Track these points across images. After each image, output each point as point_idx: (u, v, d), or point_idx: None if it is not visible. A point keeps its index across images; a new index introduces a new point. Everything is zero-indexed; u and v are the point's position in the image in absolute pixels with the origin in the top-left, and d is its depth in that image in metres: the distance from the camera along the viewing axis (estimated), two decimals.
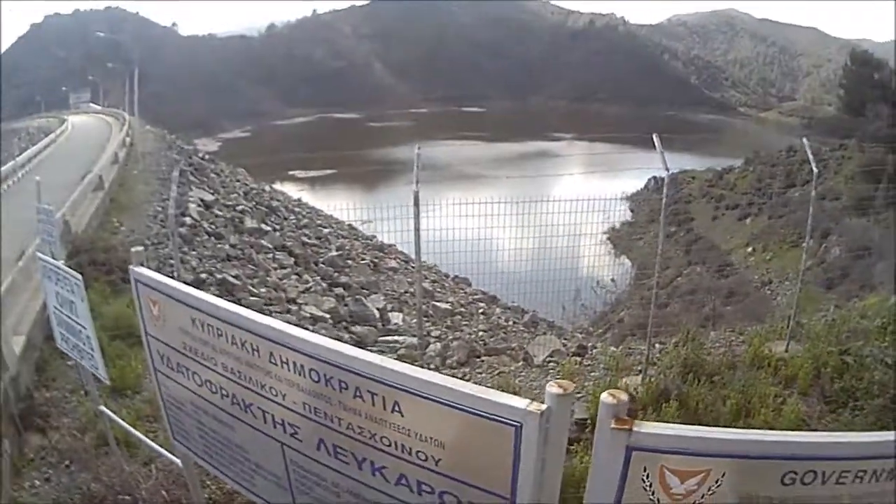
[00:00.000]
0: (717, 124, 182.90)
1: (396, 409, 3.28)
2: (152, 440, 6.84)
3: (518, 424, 2.91)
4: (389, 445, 3.40)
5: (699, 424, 8.84)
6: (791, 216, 47.47)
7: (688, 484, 2.94)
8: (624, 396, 2.89)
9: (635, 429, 2.85)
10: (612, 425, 2.86)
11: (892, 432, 3.00)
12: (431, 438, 3.23)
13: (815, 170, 12.95)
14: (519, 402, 2.91)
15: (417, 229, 10.73)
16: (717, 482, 2.94)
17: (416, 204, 10.59)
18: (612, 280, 27.21)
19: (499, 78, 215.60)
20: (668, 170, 11.26)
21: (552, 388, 2.89)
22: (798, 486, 3.03)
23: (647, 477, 2.94)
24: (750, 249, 52.28)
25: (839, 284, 32.31)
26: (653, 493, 2.96)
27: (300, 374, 3.62)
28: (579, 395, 11.24)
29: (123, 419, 7.65)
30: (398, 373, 3.24)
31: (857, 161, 61.29)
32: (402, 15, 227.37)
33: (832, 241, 42.40)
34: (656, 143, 11.51)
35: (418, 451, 3.29)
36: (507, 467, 3.03)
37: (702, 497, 2.97)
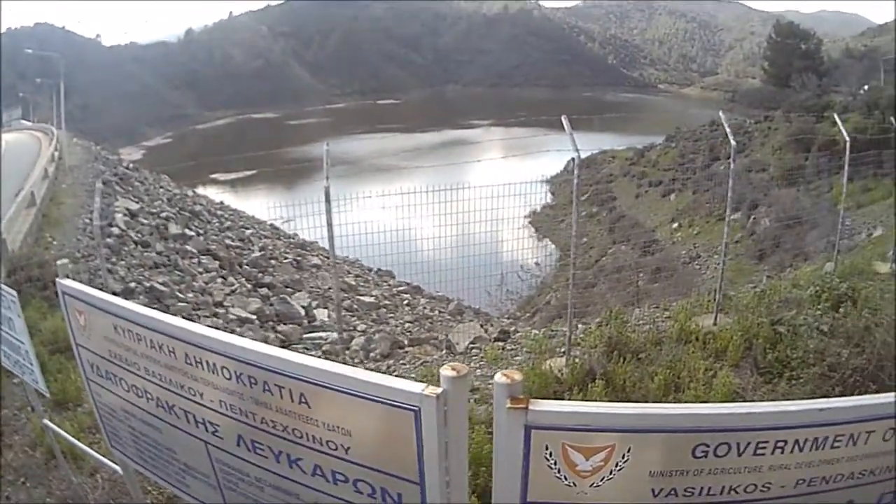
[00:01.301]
0: (637, 103, 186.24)
1: (303, 400, 3.38)
2: (95, 450, 6.90)
3: (416, 409, 3.03)
4: (301, 437, 3.51)
5: (627, 401, 8.85)
6: (716, 190, 47.80)
7: (593, 460, 3.01)
8: (518, 376, 2.95)
9: (531, 407, 2.91)
10: (508, 405, 2.93)
11: (816, 401, 3.19)
12: (339, 428, 3.34)
13: (733, 143, 13.31)
14: (415, 387, 3.04)
15: (330, 225, 11.16)
16: (623, 458, 3.01)
17: (328, 200, 11.00)
18: (537, 263, 27.39)
19: (414, 69, 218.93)
20: (577, 151, 11.34)
21: (446, 371, 3.02)
22: (712, 459, 3.11)
23: (551, 455, 3.00)
24: (676, 225, 52.73)
25: (771, 255, 32.58)
26: (559, 471, 3.02)
27: (214, 373, 3.72)
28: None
29: (67, 431, 7.65)
30: (300, 364, 3.34)
31: (783, 132, 61.96)
32: (316, 11, 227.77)
33: (761, 213, 42.77)
34: (565, 126, 11.65)
35: (329, 441, 3.40)
36: (412, 452, 3.14)
37: (610, 473, 3.03)
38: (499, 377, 2.94)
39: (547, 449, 2.99)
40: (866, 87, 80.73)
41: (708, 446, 3.06)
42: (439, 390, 2.99)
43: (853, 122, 51.19)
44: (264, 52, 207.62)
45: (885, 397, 3.27)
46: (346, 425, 3.31)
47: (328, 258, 32.14)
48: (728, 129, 13.75)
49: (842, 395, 8.49)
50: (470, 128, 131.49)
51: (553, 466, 3.01)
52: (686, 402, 9.27)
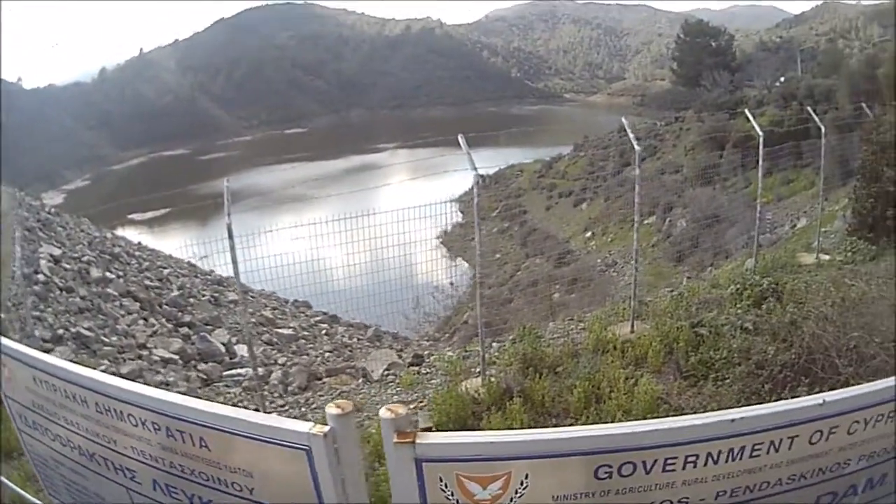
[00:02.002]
0: (543, 114, 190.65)
1: (204, 444, 3.43)
2: (42, 498, 6.59)
3: (307, 448, 3.09)
4: (208, 480, 3.55)
5: (548, 417, 9.17)
6: (628, 196, 48.31)
7: (491, 489, 3.03)
8: (402, 409, 3.01)
9: (419, 441, 2.96)
10: (395, 439, 2.97)
11: (728, 411, 3.16)
12: (240, 469, 3.40)
13: (637, 148, 13.46)
14: (303, 427, 3.11)
15: (235, 261, 11.16)
16: (522, 484, 3.03)
17: (231, 237, 10.98)
18: (451, 283, 27.51)
19: (320, 95, 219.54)
20: (475, 169, 11.33)
21: (332, 409, 3.09)
22: (617, 479, 3.11)
23: (446, 487, 3.05)
24: (589, 234, 53.50)
25: (690, 256, 32.80)
26: (457, 502, 3.07)
27: (121, 420, 3.73)
28: (422, 404, 11.53)
29: (14, 481, 7.30)
30: (198, 410, 3.41)
31: (696, 131, 62.70)
32: (222, 44, 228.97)
33: (677, 214, 43.28)
34: (462, 144, 11.61)
35: (233, 483, 3.47)
36: (310, 490, 3.21)
37: (511, 500, 3.06)
38: (383, 412, 2.99)
39: (441, 481, 3.03)
40: (782, 79, 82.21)
41: (610, 467, 3.06)
42: (326, 428, 3.03)
43: (769, 115, 51.84)
44: (173, 88, 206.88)
45: (804, 401, 3.30)
46: (246, 467, 3.36)
47: (245, 293, 32.18)
48: (631, 134, 13.70)
49: (772, 391, 8.82)
50: (376, 152, 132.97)
51: (451, 497, 3.05)
52: (608, 412, 9.60)
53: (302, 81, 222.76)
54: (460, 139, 11.63)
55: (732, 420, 3.08)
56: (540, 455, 2.99)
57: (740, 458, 3.19)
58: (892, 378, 3.48)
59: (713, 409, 8.98)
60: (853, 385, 4.05)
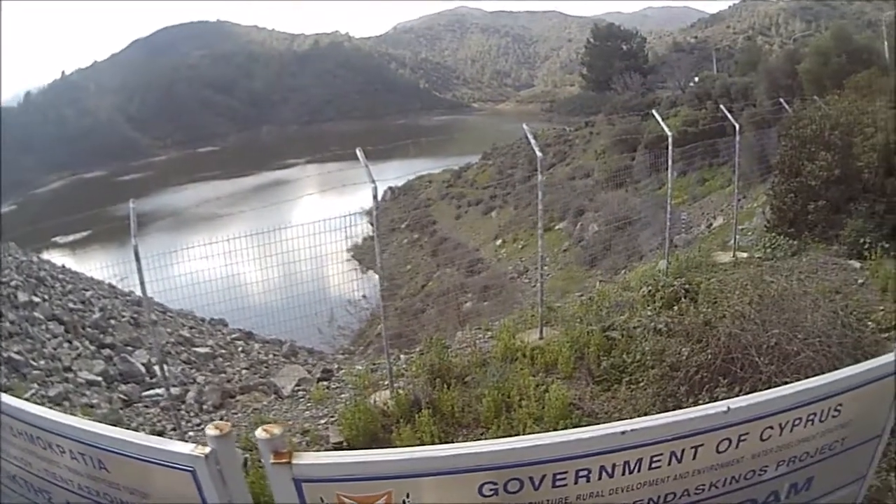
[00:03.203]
0: (452, 124, 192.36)
1: (102, 466, 3.47)
2: None
3: (192, 469, 3.13)
4: (112, 502, 3.60)
5: (458, 428, 10.28)
6: (538, 202, 48.60)
7: None
8: (278, 430, 3.04)
9: (296, 461, 2.98)
10: (272, 460, 2.98)
11: (620, 423, 3.13)
12: (137, 490, 3.46)
13: (539, 154, 13.12)
14: (185, 448, 3.15)
15: (142, 283, 11.26)
16: (403, 503, 3.05)
17: (137, 258, 11.07)
18: (364, 296, 27.57)
19: (231, 113, 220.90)
20: (374, 182, 11.45)
21: (210, 430, 3.11)
22: (504, 496, 3.09)
23: None
24: (499, 242, 53.91)
25: (603, 260, 32.98)
26: None
27: (33, 443, 3.75)
28: (333, 419, 11.54)
29: None
30: (92, 433, 3.44)
31: (606, 135, 63.31)
32: (139, 64, 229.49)
33: (588, 219, 43.50)
34: (360, 157, 11.75)
35: None
36: None
37: None
38: (259, 433, 3.00)
39: (322, 501, 3.07)
40: (696, 79, 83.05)
41: (495, 483, 3.05)
42: (207, 450, 3.06)
43: (683, 115, 52.37)
44: (93, 110, 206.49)
45: (708, 409, 3.29)
46: (141, 488, 3.43)
47: (164, 312, 31.81)
48: (532, 140, 13.57)
49: (689, 393, 8.71)
50: (286, 167, 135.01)
51: None
52: (519, 420, 9.67)
53: (214, 100, 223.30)
54: (358, 152, 11.74)
55: (623, 432, 3.04)
56: (419, 474, 3.01)
57: (637, 471, 3.15)
58: (806, 381, 3.51)
59: (629, 413, 9.30)
60: (777, 383, 3.98)
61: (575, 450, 3.02)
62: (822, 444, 3.76)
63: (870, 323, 10.68)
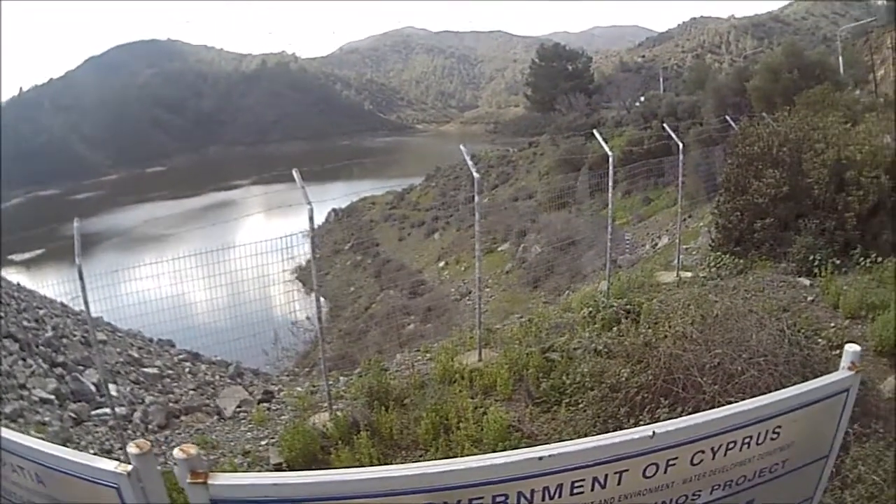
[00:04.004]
0: (395, 146, 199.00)
1: (40, 480, 3.44)
2: None
3: (116, 486, 3.10)
4: None
5: (397, 450, 10.37)
6: (481, 223, 48.90)
7: None
8: (194, 450, 2.97)
9: (211, 481, 2.94)
10: (189, 480, 2.93)
11: (533, 449, 3.08)
12: None
13: (476, 175, 13.40)
14: (109, 465, 3.11)
15: (86, 302, 11.51)
16: None
17: (81, 278, 11.39)
18: (308, 318, 27.68)
19: (179, 133, 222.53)
20: (309, 204, 11.39)
21: (132, 448, 3.08)
22: None
23: None
24: (442, 264, 54.28)
25: (546, 281, 33.05)
26: None
27: None
28: (273, 441, 11.61)
29: None
30: (27, 447, 3.42)
31: (550, 155, 63.73)
32: (92, 83, 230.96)
33: (531, 240, 43.67)
34: (297, 179, 11.66)
35: None
36: None
37: None
38: (177, 452, 2.96)
39: None
40: (642, 99, 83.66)
41: None
42: (130, 467, 3.05)
43: (629, 135, 52.73)
44: (47, 128, 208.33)
45: (633, 433, 3.21)
46: (74, 502, 3.34)
47: (113, 332, 31.87)
48: (469, 161, 13.86)
49: (629, 414, 8.78)
50: (232, 188, 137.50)
51: None
52: (458, 442, 9.77)
53: (163, 119, 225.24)
54: (295, 174, 11.66)
55: (541, 458, 2.98)
56: (331, 497, 3.02)
57: (559, 496, 3.11)
58: (740, 405, 3.44)
59: (569, 434, 9.31)
60: (721, 403, 3.88)
61: (491, 475, 2.97)
62: (761, 466, 3.64)
63: (820, 340, 10.61)
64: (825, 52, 54.59)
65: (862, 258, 14.88)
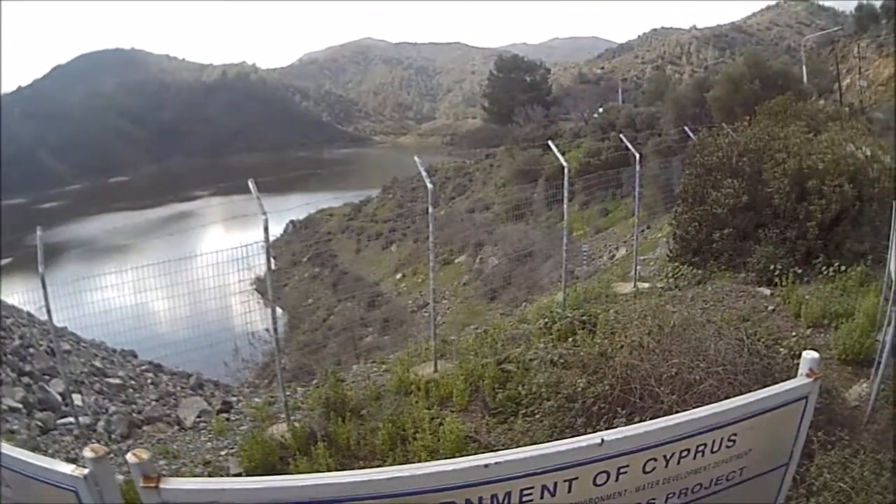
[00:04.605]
0: (353, 157, 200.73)
1: (7, 484, 3.53)
2: None
3: (74, 489, 3.19)
4: None
5: (354, 460, 10.45)
6: (437, 235, 49.24)
7: None
8: (146, 455, 3.05)
9: (163, 485, 3.02)
10: (142, 483, 3.01)
11: (478, 456, 3.09)
12: None
13: (430, 186, 13.42)
14: (67, 468, 3.22)
15: (49, 311, 12.00)
16: None
17: (44, 287, 11.93)
18: (267, 330, 27.69)
19: (142, 144, 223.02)
20: (265, 214, 11.45)
21: (87, 452, 3.22)
22: None
23: None
24: (399, 276, 54.52)
25: (504, 293, 33.16)
26: None
27: None
28: (233, 451, 11.71)
29: None
30: None
31: (507, 167, 64.08)
32: (58, 92, 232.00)
33: (488, 252, 43.79)
34: (252, 189, 11.72)
35: None
36: None
37: None
38: (130, 457, 3.05)
39: None
40: (601, 110, 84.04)
41: None
42: (86, 471, 3.14)
43: (587, 146, 52.96)
44: (16, 136, 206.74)
45: (582, 441, 3.22)
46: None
47: (78, 342, 31.88)
48: (423, 172, 13.92)
49: (586, 424, 8.93)
50: (193, 199, 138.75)
51: None
52: (415, 452, 9.70)
53: (126, 130, 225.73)
54: (251, 184, 11.71)
55: (486, 465, 3.04)
56: (278, 502, 3.07)
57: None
58: (692, 412, 3.44)
59: (526, 444, 8.92)
60: (677, 412, 3.76)
61: (438, 482, 2.97)
62: (719, 474, 3.63)
63: (782, 349, 10.51)
64: (789, 61, 55.06)
65: (825, 267, 14.93)
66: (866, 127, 23.96)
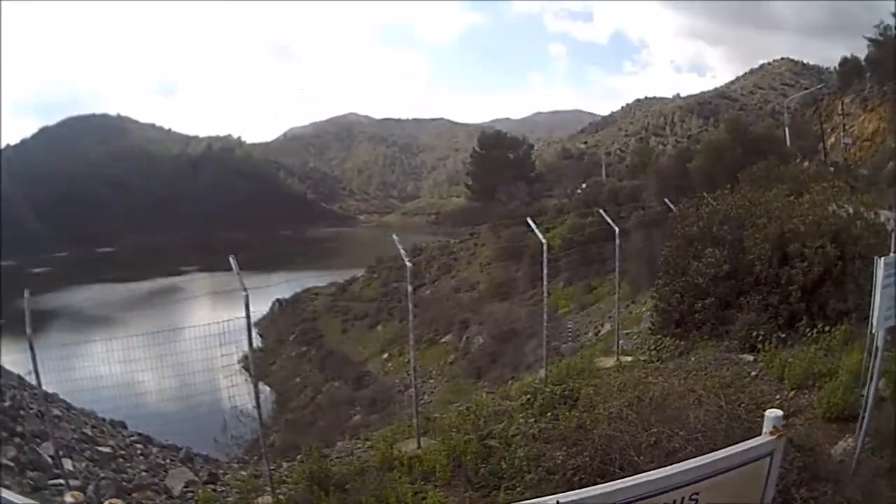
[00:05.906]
0: (338, 236, 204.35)
1: None
2: None
3: None
4: None
5: None
6: (424, 315, 49.87)
7: None
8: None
9: None
10: None
11: None
12: None
13: (409, 265, 14.24)
14: None
15: (37, 372, 12.58)
16: None
17: (31, 348, 12.31)
18: (253, 407, 27.78)
19: (127, 214, 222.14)
20: (245, 291, 11.78)
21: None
22: None
23: None
24: (386, 356, 55.17)
25: (489, 371, 33.20)
26: None
27: None
28: None
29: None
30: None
31: (491, 246, 64.26)
32: (44, 154, 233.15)
33: (473, 331, 43.91)
34: (233, 266, 12.20)
35: None
36: None
37: None
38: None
39: None
40: (584, 185, 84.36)
41: None
42: None
43: (570, 222, 53.17)
44: (5, 196, 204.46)
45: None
46: None
47: (69, 409, 31.86)
48: (402, 251, 14.67)
49: None
50: (179, 274, 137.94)
51: None
52: None
53: (111, 200, 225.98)
54: (231, 261, 12.17)
55: None
56: None
57: None
58: (649, 473, 3.64)
59: None
60: None
61: None
62: None
63: (764, 413, 10.51)
64: (772, 125, 55.56)
65: (808, 329, 14.89)
66: (850, 185, 24.11)
